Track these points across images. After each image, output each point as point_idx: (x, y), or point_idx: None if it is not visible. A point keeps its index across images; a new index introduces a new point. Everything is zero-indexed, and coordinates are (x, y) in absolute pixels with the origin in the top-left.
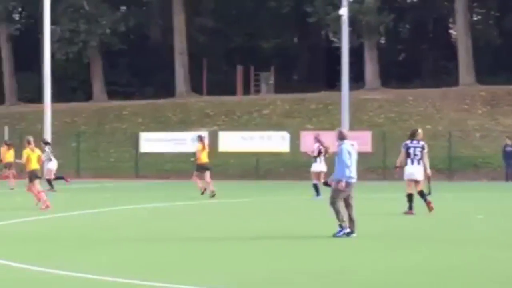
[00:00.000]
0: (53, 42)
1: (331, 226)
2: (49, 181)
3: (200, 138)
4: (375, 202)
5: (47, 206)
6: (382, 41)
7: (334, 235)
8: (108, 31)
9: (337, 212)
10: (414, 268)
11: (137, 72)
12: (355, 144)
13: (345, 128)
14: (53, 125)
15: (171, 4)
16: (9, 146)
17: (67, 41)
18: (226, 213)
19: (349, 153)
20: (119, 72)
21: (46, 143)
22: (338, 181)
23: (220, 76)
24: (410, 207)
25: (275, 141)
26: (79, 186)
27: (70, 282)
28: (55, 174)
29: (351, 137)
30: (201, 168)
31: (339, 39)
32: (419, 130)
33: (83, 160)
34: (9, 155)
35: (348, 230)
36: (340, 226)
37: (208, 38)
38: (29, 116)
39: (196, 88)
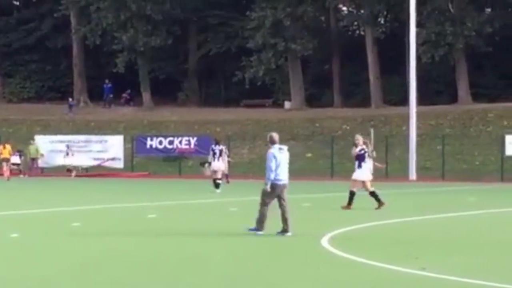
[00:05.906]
0: (418, 45)
1: None
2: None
3: None
4: None
5: None
6: None
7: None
8: (473, 33)
9: (260, 214)
10: None
11: (502, 75)
12: (284, 148)
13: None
14: (417, 127)
15: None
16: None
17: (432, 44)
18: None
19: (275, 157)
20: (484, 75)
21: (217, 143)
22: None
23: None
24: None
25: None
26: (443, 189)
27: (437, 284)
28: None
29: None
30: None
31: None
32: None
33: (448, 162)
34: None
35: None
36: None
37: None
38: (394, 118)
39: None
